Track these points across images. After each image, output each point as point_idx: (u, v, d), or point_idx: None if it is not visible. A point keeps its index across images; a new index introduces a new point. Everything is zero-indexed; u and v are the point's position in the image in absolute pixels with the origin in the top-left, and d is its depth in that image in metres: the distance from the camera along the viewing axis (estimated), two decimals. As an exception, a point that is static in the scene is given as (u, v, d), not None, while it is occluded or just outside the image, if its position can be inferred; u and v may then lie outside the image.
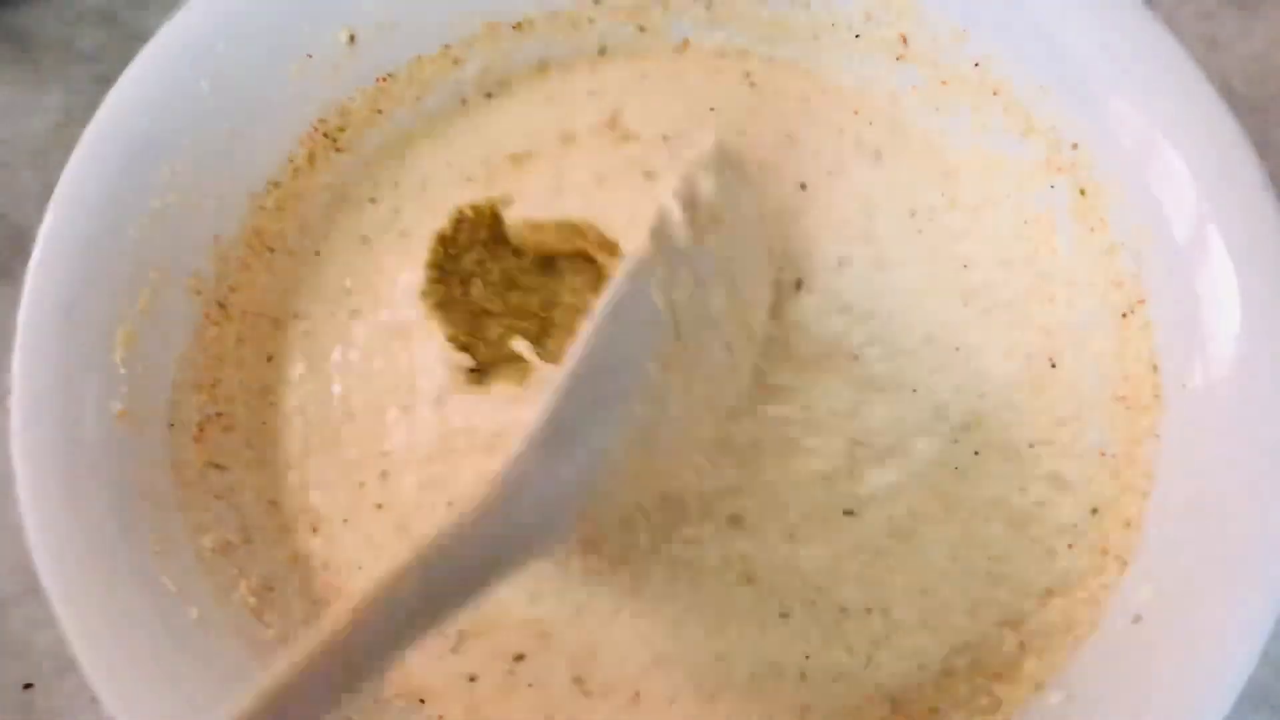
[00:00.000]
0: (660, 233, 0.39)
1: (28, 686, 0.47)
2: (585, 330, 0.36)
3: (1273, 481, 0.39)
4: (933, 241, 0.48)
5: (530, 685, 0.42)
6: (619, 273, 0.37)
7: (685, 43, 0.52)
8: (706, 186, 0.41)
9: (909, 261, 0.48)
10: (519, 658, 0.43)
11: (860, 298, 0.47)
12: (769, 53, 0.52)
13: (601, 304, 0.37)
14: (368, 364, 0.46)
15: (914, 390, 0.46)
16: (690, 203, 0.40)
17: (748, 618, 0.43)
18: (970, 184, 0.49)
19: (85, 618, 0.37)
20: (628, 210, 0.47)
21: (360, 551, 0.44)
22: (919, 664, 0.43)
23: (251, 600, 0.41)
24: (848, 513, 0.44)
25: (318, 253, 0.48)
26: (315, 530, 0.44)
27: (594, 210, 0.47)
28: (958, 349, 0.47)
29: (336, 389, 0.46)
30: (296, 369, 0.47)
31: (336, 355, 0.47)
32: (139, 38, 0.56)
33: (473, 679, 0.42)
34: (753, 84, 0.51)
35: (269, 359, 0.47)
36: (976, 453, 0.45)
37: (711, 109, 0.50)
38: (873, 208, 0.48)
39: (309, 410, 0.46)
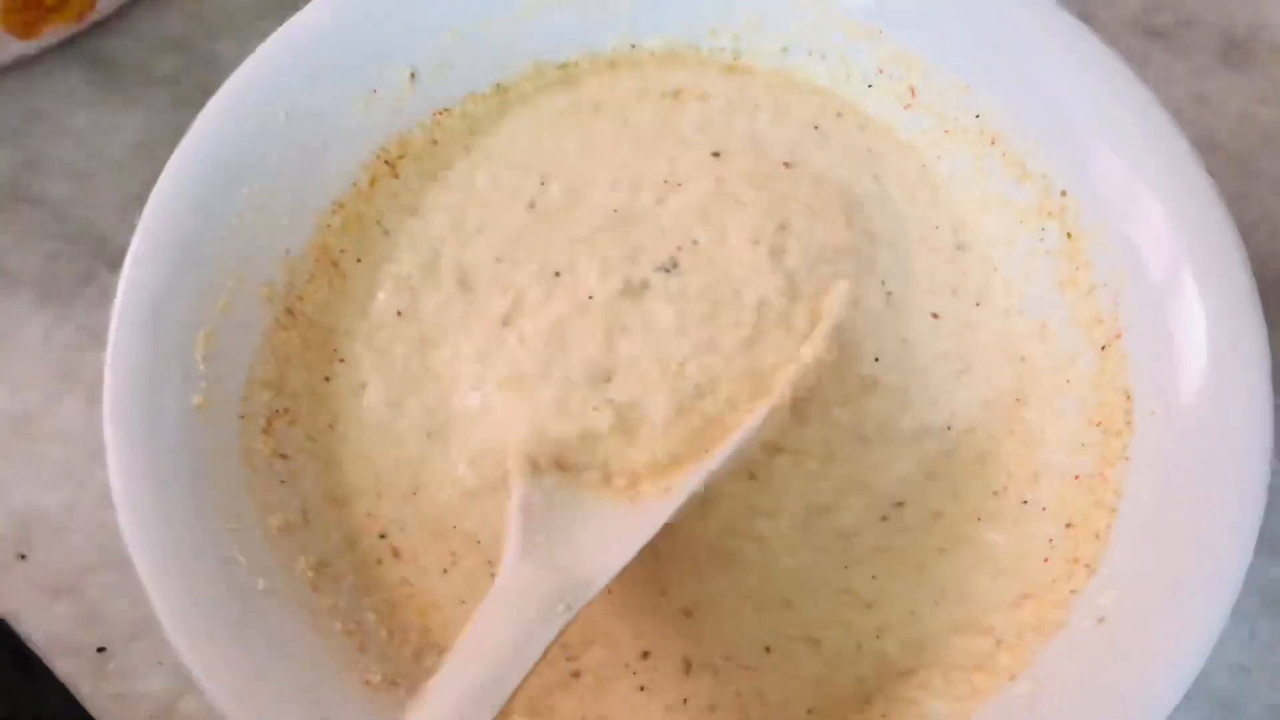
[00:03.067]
0: (799, 385, 0.47)
1: (101, 650, 0.50)
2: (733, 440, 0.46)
3: (1227, 499, 0.42)
4: (936, 280, 0.53)
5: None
6: (755, 421, 0.46)
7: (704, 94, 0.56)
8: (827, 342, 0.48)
9: (914, 293, 0.52)
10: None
11: (874, 333, 0.51)
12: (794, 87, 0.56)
13: (748, 429, 0.46)
14: (416, 368, 0.50)
15: (910, 416, 0.50)
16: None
17: (750, 600, 0.47)
18: (959, 223, 0.53)
19: (167, 583, 0.40)
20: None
21: (417, 536, 0.48)
22: (900, 668, 0.46)
23: (310, 574, 0.44)
24: (848, 534, 0.48)
25: (373, 264, 0.52)
26: (368, 515, 0.48)
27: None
28: (953, 377, 0.51)
29: (387, 388, 0.50)
30: (355, 371, 0.50)
31: (389, 359, 0.50)
32: (212, 63, 0.61)
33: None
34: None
35: (330, 361, 0.50)
36: (961, 477, 0.49)
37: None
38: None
39: (365, 409, 0.49)
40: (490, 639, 0.40)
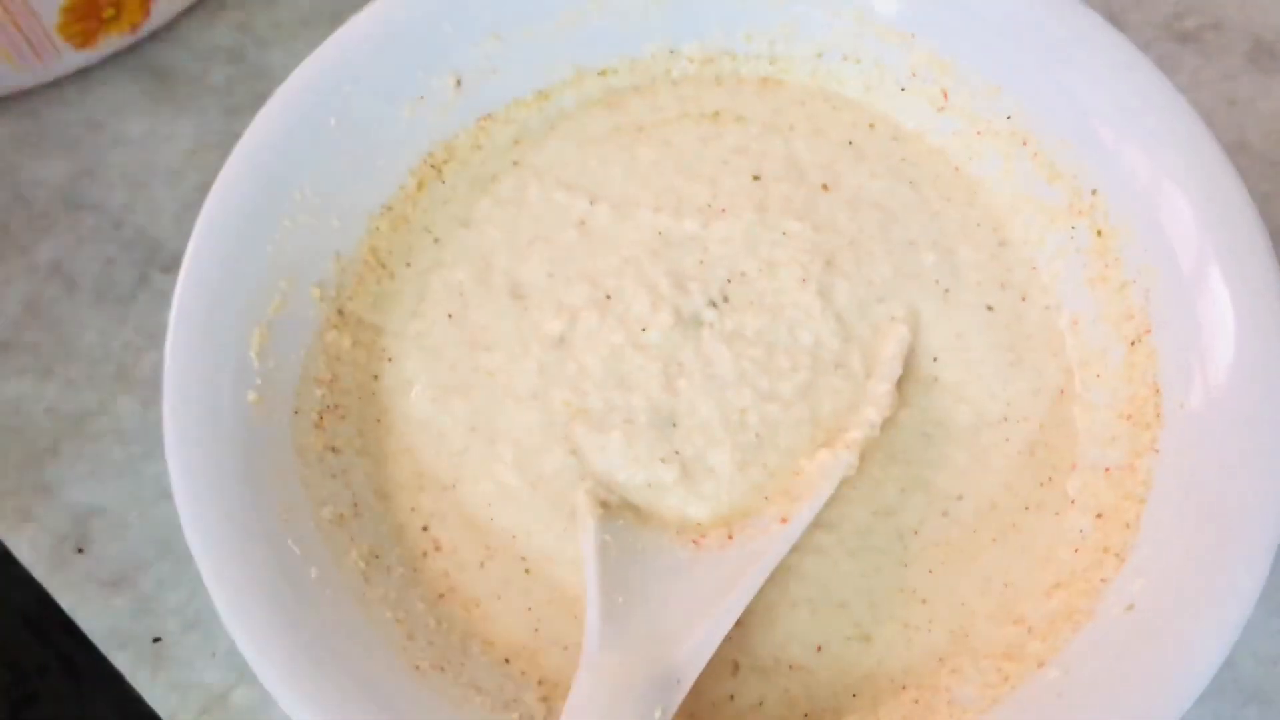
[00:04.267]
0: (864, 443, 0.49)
1: (156, 640, 0.52)
2: (813, 502, 0.47)
3: (1255, 490, 0.43)
4: (985, 274, 0.54)
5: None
6: (827, 490, 0.48)
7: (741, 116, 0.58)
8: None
9: (967, 287, 0.54)
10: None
11: (931, 331, 0.53)
12: (827, 101, 0.57)
13: (818, 498, 0.48)
14: (465, 370, 0.52)
15: (967, 409, 0.52)
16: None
17: (804, 605, 0.48)
18: (998, 222, 0.55)
19: (223, 573, 0.42)
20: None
21: (456, 529, 0.49)
22: (937, 656, 0.47)
23: (361, 564, 0.46)
24: (908, 533, 0.50)
25: (423, 270, 0.54)
26: (412, 509, 0.50)
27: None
28: (1007, 367, 0.52)
29: (434, 387, 0.51)
30: (402, 370, 0.51)
31: (438, 360, 0.52)
32: (263, 74, 0.62)
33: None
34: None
35: (380, 360, 0.52)
36: (1014, 468, 0.50)
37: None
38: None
39: (411, 405, 0.51)
40: None
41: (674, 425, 0.50)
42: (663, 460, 0.49)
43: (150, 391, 0.45)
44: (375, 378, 0.51)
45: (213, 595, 0.42)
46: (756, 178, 0.55)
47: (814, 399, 0.51)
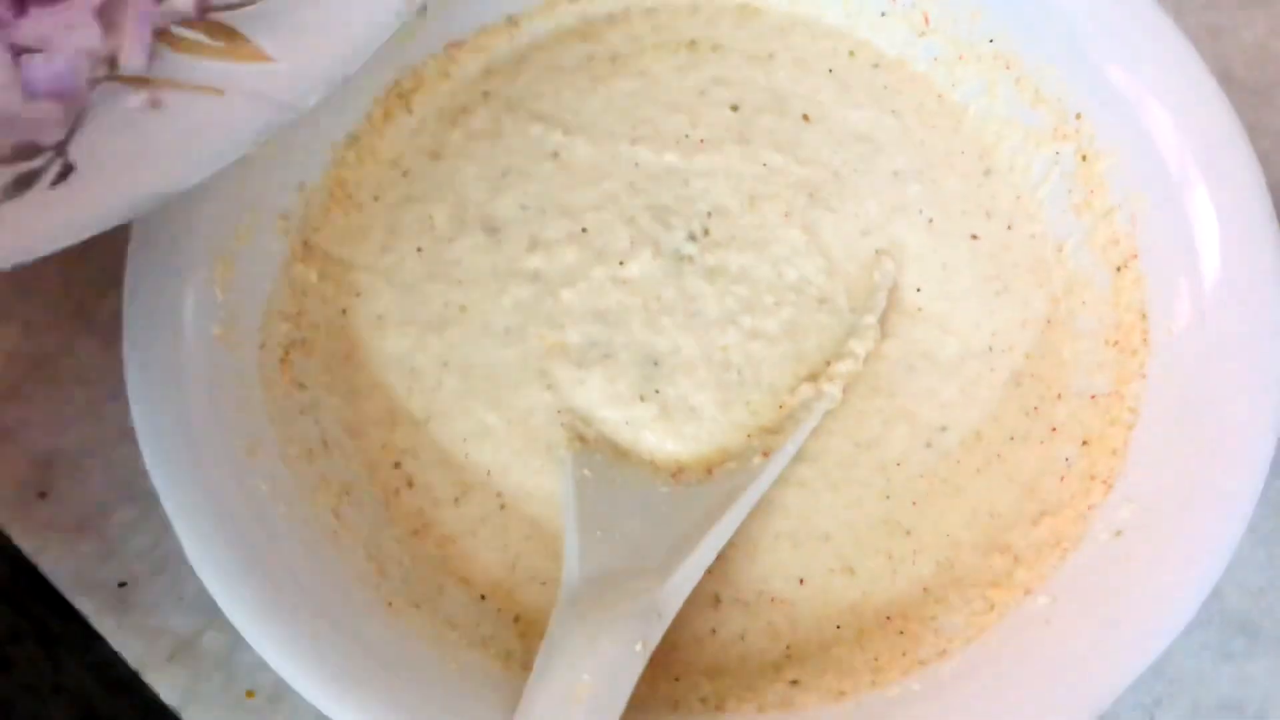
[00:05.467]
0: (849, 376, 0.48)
1: (122, 585, 0.50)
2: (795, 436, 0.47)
3: (1243, 416, 0.43)
4: (969, 203, 0.53)
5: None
6: (811, 422, 0.47)
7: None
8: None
9: (952, 216, 0.53)
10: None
11: (915, 262, 0.52)
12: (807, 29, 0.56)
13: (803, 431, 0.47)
14: (438, 305, 0.50)
15: (953, 340, 0.51)
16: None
17: (786, 538, 0.47)
18: (984, 149, 0.54)
19: (189, 512, 0.41)
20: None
21: (429, 466, 0.48)
22: (922, 586, 0.47)
23: (331, 501, 0.44)
24: (891, 465, 0.49)
25: (392, 203, 0.52)
26: (383, 445, 0.48)
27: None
28: (993, 297, 0.51)
29: (406, 323, 0.50)
30: (372, 305, 0.50)
31: (409, 295, 0.50)
32: None
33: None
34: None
35: (348, 294, 0.50)
36: (999, 399, 0.50)
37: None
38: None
39: (382, 341, 0.50)
40: (566, 686, 0.39)
41: (655, 364, 0.49)
42: (643, 398, 0.48)
43: (112, 332, 0.43)
44: (343, 312, 0.50)
45: (179, 535, 0.41)
46: (735, 108, 0.54)
47: (799, 336, 0.50)
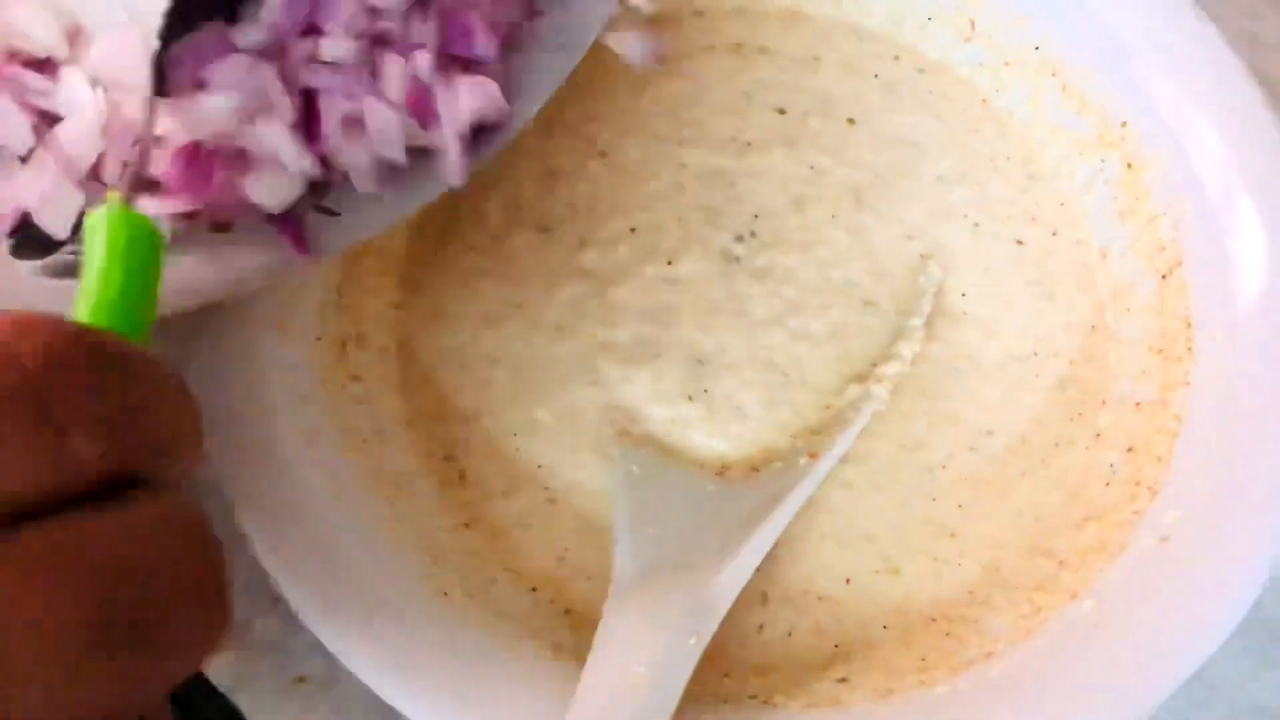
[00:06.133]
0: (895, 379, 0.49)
1: None
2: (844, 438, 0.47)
3: (1287, 421, 0.44)
4: (1015, 208, 0.54)
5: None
6: (859, 424, 0.48)
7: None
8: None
9: (997, 221, 0.53)
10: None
11: (960, 267, 0.53)
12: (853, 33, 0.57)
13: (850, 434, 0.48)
14: (493, 301, 0.51)
15: (997, 344, 0.51)
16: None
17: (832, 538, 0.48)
18: (1028, 155, 0.54)
19: (252, 499, 0.41)
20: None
21: (481, 459, 0.49)
22: (967, 588, 0.47)
23: (386, 492, 0.45)
24: (937, 467, 0.49)
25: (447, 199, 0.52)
26: (434, 438, 0.49)
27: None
28: (1037, 301, 0.52)
29: (459, 317, 0.50)
30: (426, 299, 0.51)
31: (463, 290, 0.51)
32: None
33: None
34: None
35: (402, 288, 0.51)
36: (1044, 403, 0.50)
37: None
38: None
39: (435, 335, 0.50)
40: (621, 677, 0.39)
41: (701, 363, 0.49)
42: (690, 398, 0.49)
43: (185, 329, 0.44)
44: (397, 307, 0.50)
45: (240, 521, 0.41)
46: (782, 111, 0.55)
47: (844, 337, 0.50)
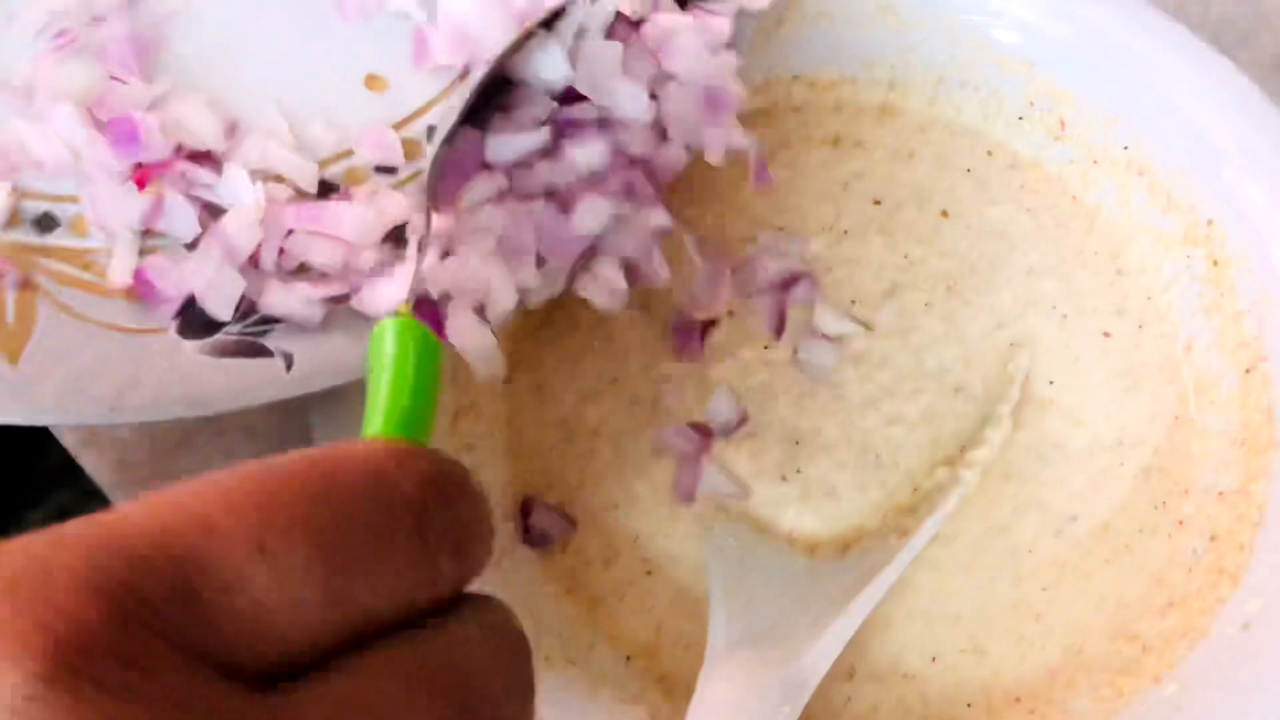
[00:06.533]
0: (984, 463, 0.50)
1: None
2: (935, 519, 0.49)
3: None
4: (1102, 301, 0.55)
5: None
6: (948, 509, 0.49)
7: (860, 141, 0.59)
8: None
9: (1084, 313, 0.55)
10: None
11: (1048, 355, 0.54)
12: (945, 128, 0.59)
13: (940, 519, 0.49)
14: (594, 375, 0.53)
15: (1083, 432, 0.52)
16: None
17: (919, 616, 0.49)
18: (1115, 249, 0.56)
19: None
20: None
21: (582, 529, 0.51)
22: (1050, 670, 0.48)
23: (493, 557, 0.47)
24: (1022, 551, 0.50)
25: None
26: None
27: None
28: (1123, 393, 0.53)
29: (565, 390, 0.53)
30: (533, 373, 0.53)
31: (568, 365, 0.53)
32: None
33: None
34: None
35: (509, 363, 0.53)
36: (1128, 491, 0.51)
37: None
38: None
39: (542, 408, 0.53)
40: None
41: (797, 443, 0.51)
42: (784, 478, 0.51)
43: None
44: (507, 380, 0.53)
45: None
46: (878, 202, 0.57)
47: (936, 422, 0.52)
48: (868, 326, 0.54)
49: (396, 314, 0.33)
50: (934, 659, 0.48)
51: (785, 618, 0.46)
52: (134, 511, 0.24)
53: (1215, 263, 0.52)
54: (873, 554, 0.49)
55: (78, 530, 0.23)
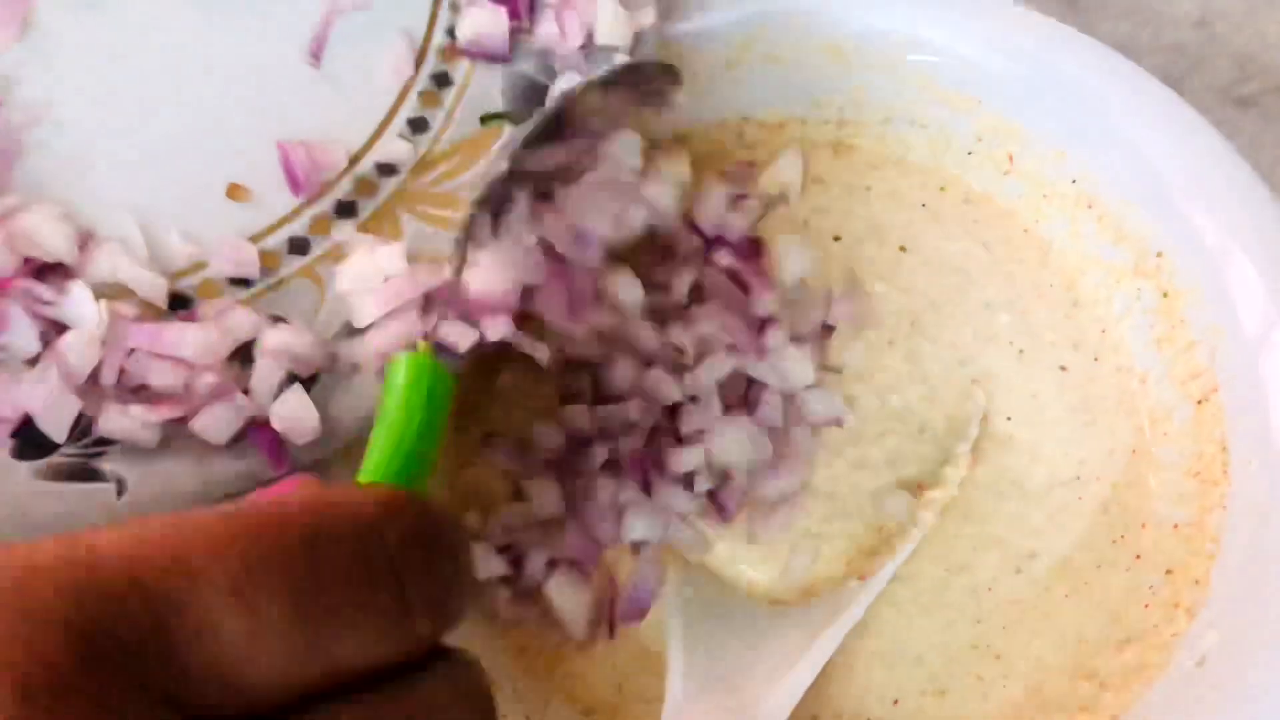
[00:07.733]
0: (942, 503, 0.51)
1: None
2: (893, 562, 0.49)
3: (1325, 546, 0.45)
4: (1059, 334, 0.55)
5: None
6: (905, 553, 0.50)
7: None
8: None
9: (1041, 347, 0.55)
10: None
11: (1005, 391, 0.54)
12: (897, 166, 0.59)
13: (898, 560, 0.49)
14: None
15: (1042, 468, 0.53)
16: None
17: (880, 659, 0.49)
18: (1069, 282, 0.56)
19: None
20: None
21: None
22: (1012, 709, 0.48)
23: None
24: (982, 589, 0.50)
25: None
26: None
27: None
28: (1081, 428, 0.53)
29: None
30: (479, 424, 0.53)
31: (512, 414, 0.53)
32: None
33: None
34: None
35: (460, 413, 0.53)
36: (1086, 526, 0.51)
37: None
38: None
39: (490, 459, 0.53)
40: None
41: None
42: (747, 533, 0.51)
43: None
44: (456, 429, 0.53)
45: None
46: (837, 238, 0.57)
47: (900, 464, 0.52)
48: (836, 370, 0.54)
49: (419, 350, 0.32)
50: (895, 702, 0.48)
51: (745, 666, 0.46)
52: (114, 541, 0.24)
53: (1165, 294, 0.52)
54: (833, 598, 0.49)
55: (55, 553, 0.23)
